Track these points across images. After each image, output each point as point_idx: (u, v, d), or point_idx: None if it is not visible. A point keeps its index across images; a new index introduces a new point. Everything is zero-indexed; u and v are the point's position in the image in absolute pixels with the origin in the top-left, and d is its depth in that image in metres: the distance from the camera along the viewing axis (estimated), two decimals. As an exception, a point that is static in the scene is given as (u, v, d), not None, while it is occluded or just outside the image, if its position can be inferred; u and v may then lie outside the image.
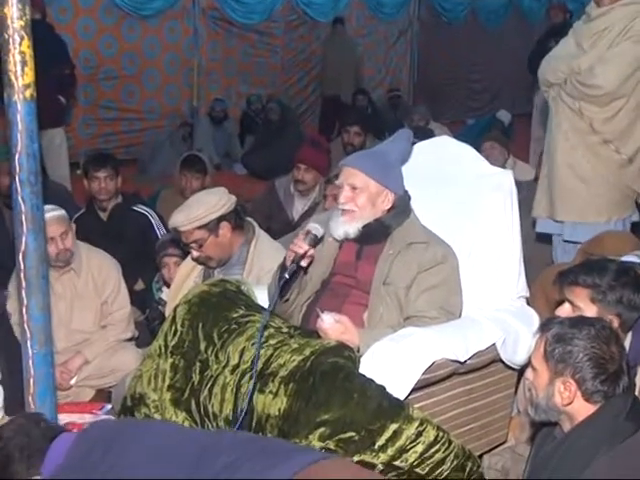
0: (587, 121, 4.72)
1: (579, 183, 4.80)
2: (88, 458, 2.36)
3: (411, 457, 2.89)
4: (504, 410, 3.68)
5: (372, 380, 2.97)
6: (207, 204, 4.09)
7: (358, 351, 3.20)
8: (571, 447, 2.48)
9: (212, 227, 4.08)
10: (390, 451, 2.87)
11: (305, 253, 3.37)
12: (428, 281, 3.39)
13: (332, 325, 3.20)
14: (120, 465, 2.32)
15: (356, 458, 2.85)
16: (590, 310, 3.01)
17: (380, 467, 2.87)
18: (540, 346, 2.58)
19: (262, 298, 3.63)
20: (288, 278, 3.34)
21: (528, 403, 2.69)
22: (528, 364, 3.09)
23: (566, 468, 2.44)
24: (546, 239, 5.27)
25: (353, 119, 8.43)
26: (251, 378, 3.12)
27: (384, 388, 2.95)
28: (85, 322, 4.59)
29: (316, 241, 3.44)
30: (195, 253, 4.18)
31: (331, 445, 2.85)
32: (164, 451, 2.35)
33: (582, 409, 2.51)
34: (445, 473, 2.95)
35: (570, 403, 2.52)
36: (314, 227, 3.45)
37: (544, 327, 2.63)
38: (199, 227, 4.06)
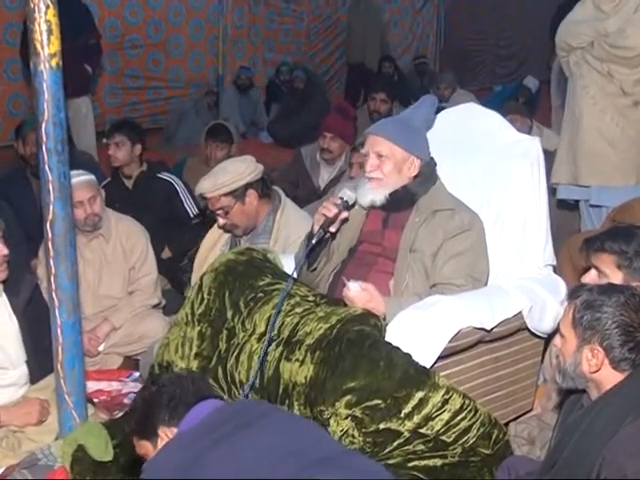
0: (617, 83, 4.68)
1: (607, 147, 4.76)
2: (217, 430, 2.35)
3: (437, 425, 2.90)
4: (530, 378, 3.68)
5: (398, 348, 2.97)
6: (234, 171, 4.10)
7: (384, 319, 3.20)
8: (598, 415, 2.47)
9: (239, 194, 4.10)
10: (416, 419, 2.88)
11: (335, 218, 3.37)
12: (454, 248, 3.38)
13: (358, 293, 3.20)
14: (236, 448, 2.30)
15: (382, 426, 2.86)
16: (616, 277, 2.99)
17: (406, 435, 2.89)
18: (569, 313, 2.57)
19: (289, 266, 3.63)
20: (315, 244, 3.35)
21: (556, 370, 2.69)
22: (554, 332, 3.08)
23: (593, 436, 2.43)
24: (568, 206, 5.23)
25: (379, 86, 8.39)
26: (277, 346, 3.14)
27: (410, 356, 2.96)
28: (113, 288, 4.62)
29: (347, 206, 3.43)
30: (221, 220, 4.20)
31: (357, 413, 2.86)
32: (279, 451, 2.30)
33: (610, 377, 2.50)
34: (471, 441, 2.96)
35: (597, 370, 2.51)
36: (345, 193, 3.45)
37: (573, 294, 2.61)
38: (225, 194, 4.09)
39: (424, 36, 14.93)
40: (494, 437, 3.03)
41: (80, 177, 4.29)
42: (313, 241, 3.33)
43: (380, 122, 3.73)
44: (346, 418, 2.87)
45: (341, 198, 3.43)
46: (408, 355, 2.96)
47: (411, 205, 3.49)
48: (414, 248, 3.41)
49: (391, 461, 2.89)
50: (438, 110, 3.90)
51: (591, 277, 3.06)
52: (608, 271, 3.02)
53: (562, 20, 5.06)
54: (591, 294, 2.54)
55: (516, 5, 15.43)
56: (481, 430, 2.98)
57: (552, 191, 4.96)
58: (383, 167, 3.45)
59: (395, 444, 2.89)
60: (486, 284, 3.50)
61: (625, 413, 2.39)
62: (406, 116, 3.68)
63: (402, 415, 2.87)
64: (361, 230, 3.56)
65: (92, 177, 4.50)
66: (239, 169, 4.12)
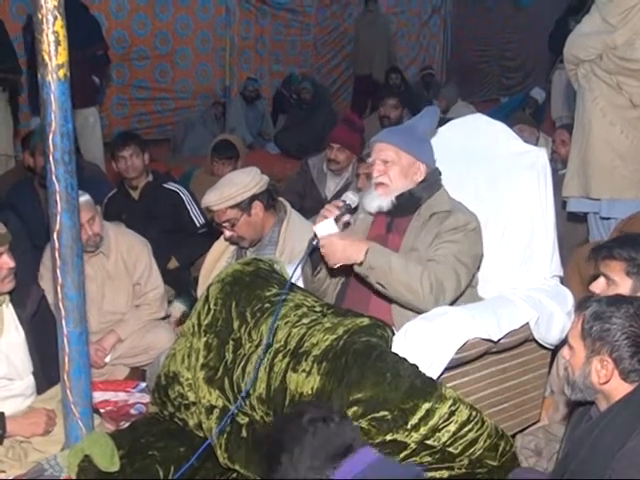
0: (626, 96, 4.66)
1: (617, 159, 4.73)
2: None
3: (444, 436, 2.89)
4: (537, 390, 3.67)
5: (405, 359, 2.96)
6: (240, 184, 4.10)
7: (360, 264, 3.23)
8: (607, 426, 2.46)
9: (244, 206, 4.10)
10: (423, 430, 2.86)
11: (336, 220, 3.36)
12: (446, 237, 3.37)
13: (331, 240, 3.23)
14: None
15: (389, 437, 2.85)
16: (625, 284, 2.98)
17: (413, 446, 2.87)
18: (577, 324, 2.56)
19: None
20: (316, 245, 3.34)
21: (564, 382, 2.67)
22: (562, 344, 3.06)
23: (602, 447, 2.42)
24: (578, 218, 5.21)
25: (389, 94, 8.42)
26: (284, 357, 3.13)
27: (417, 367, 2.95)
28: (117, 304, 4.59)
29: (349, 209, 3.43)
30: (228, 233, 4.20)
31: (364, 424, 2.85)
32: None
33: (619, 388, 2.49)
34: (478, 452, 2.95)
35: (607, 382, 2.50)
36: (348, 196, 3.46)
37: (582, 305, 2.60)
38: (231, 206, 4.09)
39: (430, 48, 14.98)
40: (501, 449, 3.01)
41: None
42: (314, 242, 3.33)
43: (385, 130, 3.74)
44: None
45: (343, 201, 3.43)
46: (415, 366, 2.95)
47: (414, 210, 3.50)
48: (412, 248, 3.42)
49: (398, 473, 2.88)
50: (442, 122, 3.91)
51: (599, 285, 3.06)
52: (617, 278, 3.01)
53: (559, 34, 5.04)
54: (600, 305, 2.53)
55: (522, 17, 15.46)
56: (488, 442, 2.96)
57: (561, 203, 4.96)
58: (389, 172, 3.46)
59: (402, 456, 2.88)
60: (474, 274, 3.49)
61: (634, 424, 2.38)
62: (410, 124, 3.71)
63: (409, 426, 2.86)
64: (366, 237, 3.55)
65: (88, 197, 4.34)
66: (244, 181, 4.12)
